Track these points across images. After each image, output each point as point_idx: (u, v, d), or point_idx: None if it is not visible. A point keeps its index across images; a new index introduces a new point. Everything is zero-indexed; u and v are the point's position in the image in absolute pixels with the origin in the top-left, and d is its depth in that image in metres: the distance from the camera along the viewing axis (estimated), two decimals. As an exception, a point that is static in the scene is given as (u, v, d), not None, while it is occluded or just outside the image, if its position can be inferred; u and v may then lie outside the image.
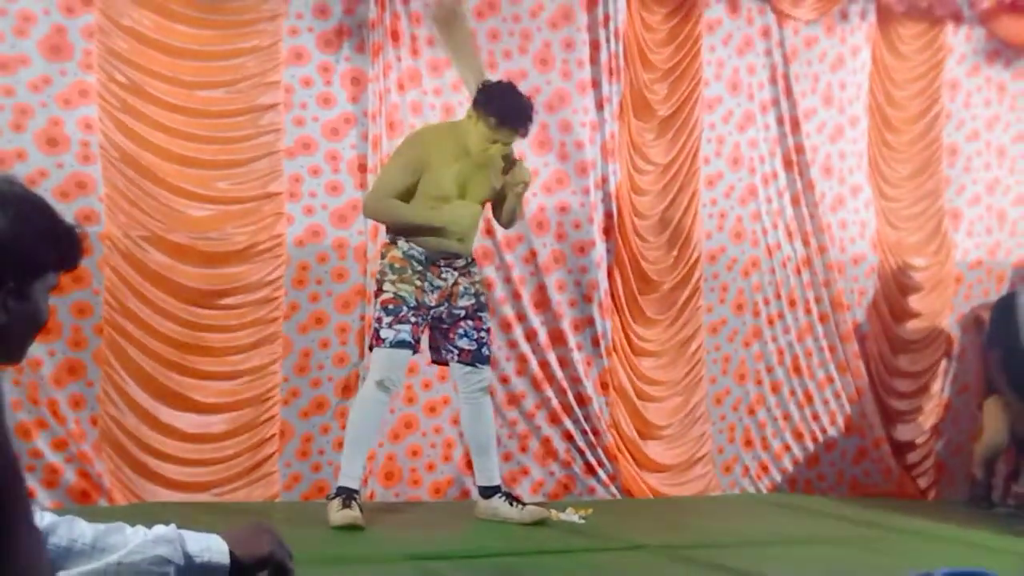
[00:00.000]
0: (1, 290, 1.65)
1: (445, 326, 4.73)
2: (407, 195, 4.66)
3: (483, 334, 4.76)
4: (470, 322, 4.73)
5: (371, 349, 4.68)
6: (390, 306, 4.58)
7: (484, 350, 4.76)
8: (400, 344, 4.56)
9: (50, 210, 1.73)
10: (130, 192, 4.98)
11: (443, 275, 4.69)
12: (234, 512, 4.80)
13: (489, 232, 5.44)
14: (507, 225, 5.02)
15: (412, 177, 4.64)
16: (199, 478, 5.09)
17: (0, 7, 4.80)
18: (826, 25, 6.34)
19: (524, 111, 4.64)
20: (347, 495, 4.52)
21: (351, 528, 4.43)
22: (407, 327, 4.56)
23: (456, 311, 4.71)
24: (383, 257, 4.71)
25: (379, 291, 4.66)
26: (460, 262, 4.74)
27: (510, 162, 4.78)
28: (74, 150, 4.93)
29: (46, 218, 1.72)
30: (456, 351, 4.73)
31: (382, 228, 4.96)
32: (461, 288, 4.72)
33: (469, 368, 4.73)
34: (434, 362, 4.93)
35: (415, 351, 4.66)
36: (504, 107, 4.59)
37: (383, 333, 4.56)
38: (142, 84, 4.99)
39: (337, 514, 4.46)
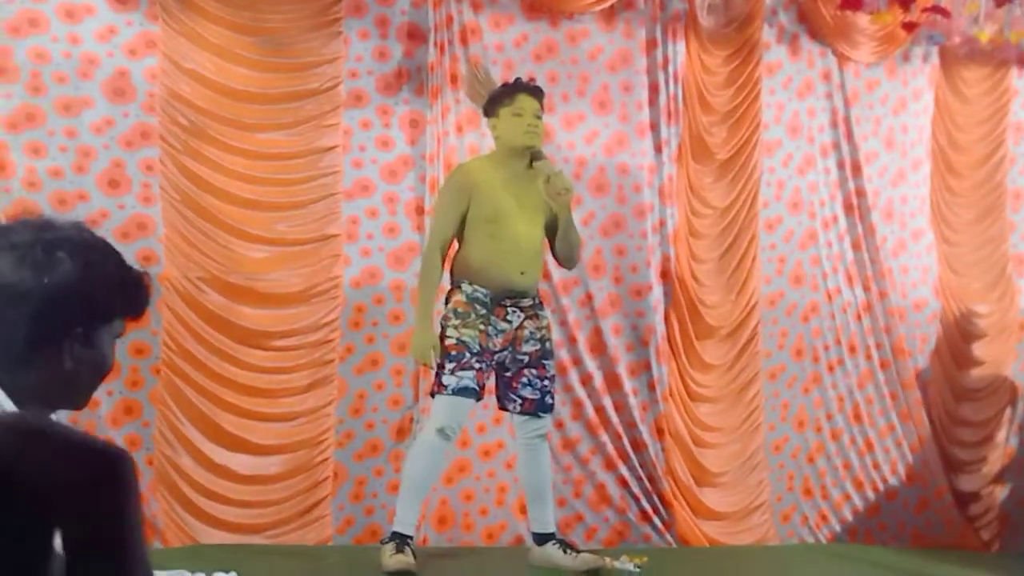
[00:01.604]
0: (69, 337, 1.65)
1: (508, 374, 4.65)
2: (461, 228, 4.60)
3: (547, 382, 4.67)
4: (533, 370, 4.64)
5: (432, 395, 4.61)
6: (453, 352, 4.50)
7: (547, 399, 4.68)
8: (463, 391, 4.47)
9: (119, 257, 1.73)
10: (189, 234, 5.01)
11: (508, 317, 4.60)
12: (287, 555, 4.77)
13: (546, 275, 5.39)
14: (565, 258, 4.83)
15: (462, 206, 4.57)
16: (252, 520, 5.07)
17: (64, 50, 4.87)
18: (888, 68, 6.28)
19: (529, 81, 4.71)
20: (400, 540, 4.48)
21: (403, 574, 4.39)
22: (470, 373, 4.48)
23: (520, 357, 4.63)
24: (447, 302, 4.63)
25: (442, 336, 4.55)
26: (526, 302, 4.65)
27: (547, 171, 4.65)
28: (135, 192, 4.98)
29: (115, 266, 1.71)
30: (519, 400, 4.65)
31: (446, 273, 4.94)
32: (526, 332, 4.63)
33: (529, 416, 4.67)
34: (501, 408, 4.81)
35: (479, 398, 4.57)
36: (510, 84, 4.71)
37: (445, 380, 4.49)
38: (203, 126, 5.02)
39: (390, 559, 4.42)
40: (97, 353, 1.72)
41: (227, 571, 1.96)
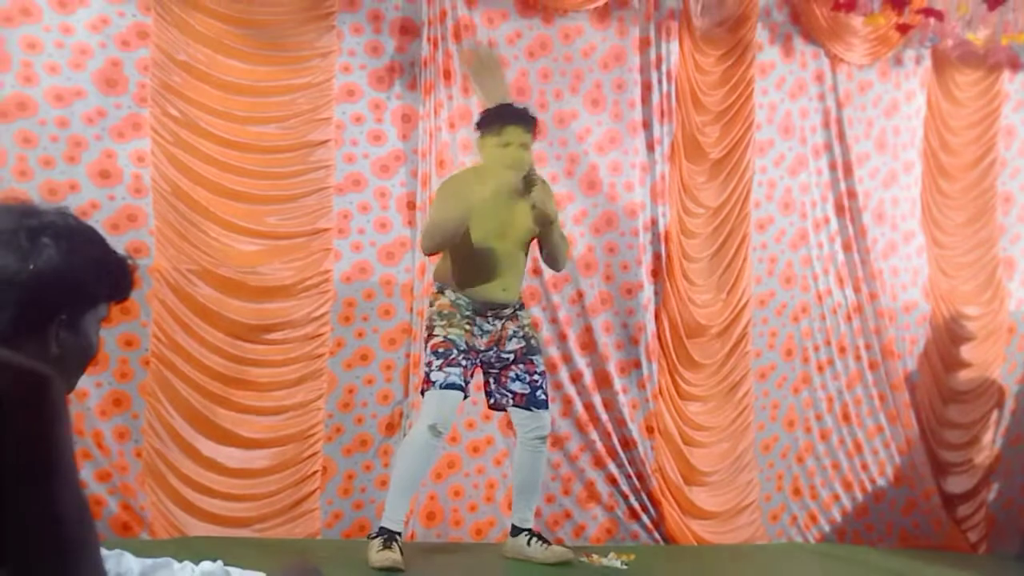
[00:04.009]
0: (54, 322, 1.65)
1: (495, 370, 4.70)
2: (463, 244, 4.57)
3: (536, 378, 4.70)
4: (521, 366, 4.68)
5: (422, 393, 4.61)
6: (440, 349, 4.53)
7: (539, 394, 4.70)
8: (451, 386, 4.49)
9: (102, 242, 1.73)
10: (180, 226, 5.00)
11: (491, 322, 4.66)
12: (275, 549, 4.77)
13: (536, 271, 5.40)
14: (551, 266, 4.86)
15: (466, 209, 4.49)
16: (241, 513, 5.06)
17: (56, 40, 4.86)
18: (880, 70, 6.29)
19: (520, 109, 4.66)
20: (388, 536, 4.48)
21: (391, 571, 4.38)
22: (457, 370, 4.51)
23: (505, 355, 4.68)
24: (431, 305, 4.68)
25: (429, 336, 4.60)
26: (506, 311, 4.70)
27: (534, 198, 4.59)
28: (126, 183, 4.97)
29: (99, 250, 1.71)
30: (510, 395, 4.69)
31: (430, 270, 4.94)
32: (509, 332, 4.68)
33: (527, 413, 4.69)
34: (491, 407, 4.84)
35: (465, 395, 4.60)
36: (500, 110, 4.66)
37: (433, 376, 4.51)
38: (195, 118, 5.02)
39: (377, 555, 4.41)
40: (82, 338, 1.72)
41: (213, 560, 1.97)
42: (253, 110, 5.11)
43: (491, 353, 4.66)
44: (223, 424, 5.04)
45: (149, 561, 1.94)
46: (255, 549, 4.65)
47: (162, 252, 4.99)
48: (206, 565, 1.94)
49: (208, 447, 5.03)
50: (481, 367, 4.71)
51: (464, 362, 4.54)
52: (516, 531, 4.82)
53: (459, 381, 4.51)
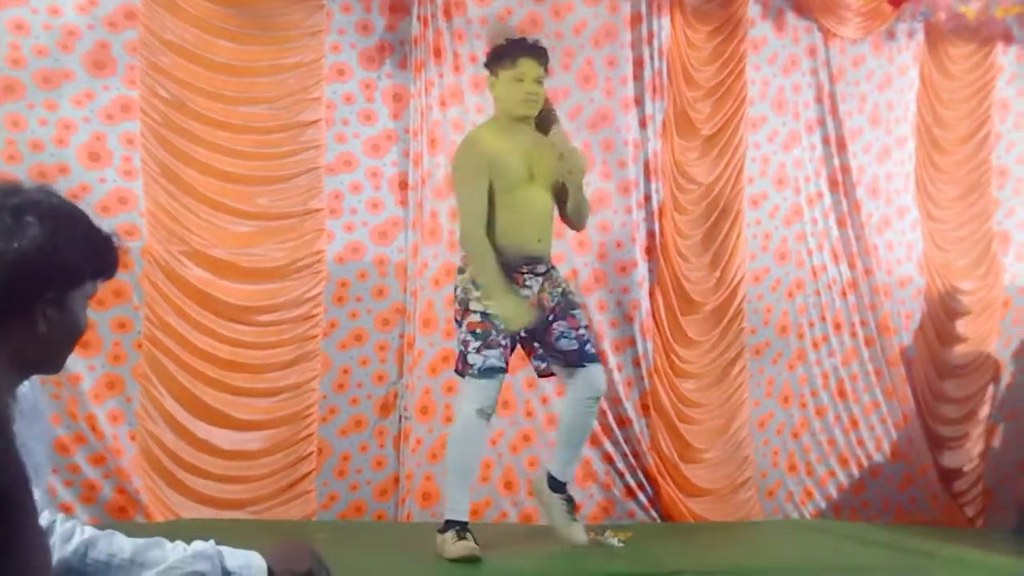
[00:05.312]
0: (41, 301, 1.65)
1: (541, 331, 4.48)
2: (491, 200, 4.44)
3: (582, 331, 4.52)
4: (563, 322, 4.49)
5: (458, 373, 4.47)
6: (478, 330, 4.36)
7: (588, 347, 4.52)
8: (489, 371, 4.34)
9: (87, 219, 1.71)
10: (171, 207, 4.99)
11: (527, 283, 4.47)
12: (271, 530, 4.77)
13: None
14: (575, 222, 4.70)
15: (486, 179, 4.40)
16: (236, 495, 5.07)
17: (44, 22, 4.83)
18: (873, 44, 6.26)
19: (533, 42, 4.56)
20: (460, 527, 4.36)
21: (469, 560, 4.28)
22: (496, 351, 4.34)
23: (546, 315, 4.49)
24: (461, 272, 4.49)
25: (465, 311, 4.41)
26: (541, 268, 4.52)
27: (561, 147, 4.51)
28: (116, 165, 4.95)
29: (83, 228, 1.70)
30: (560, 355, 4.50)
31: (434, 245, 4.88)
32: (547, 294, 4.51)
33: (579, 370, 4.49)
34: (540, 375, 4.71)
35: (505, 372, 4.44)
36: (513, 43, 4.54)
37: (471, 359, 4.35)
38: (184, 99, 4.99)
39: (453, 546, 4.30)
40: (70, 316, 1.71)
41: (205, 540, 1.96)
42: (242, 90, 5.09)
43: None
44: (217, 406, 5.04)
45: (141, 540, 1.93)
46: (251, 531, 4.64)
47: (153, 234, 4.97)
48: (198, 544, 1.93)
49: (202, 429, 5.02)
50: (526, 336, 4.52)
51: (504, 341, 4.37)
52: (555, 485, 4.63)
53: (499, 363, 4.36)
